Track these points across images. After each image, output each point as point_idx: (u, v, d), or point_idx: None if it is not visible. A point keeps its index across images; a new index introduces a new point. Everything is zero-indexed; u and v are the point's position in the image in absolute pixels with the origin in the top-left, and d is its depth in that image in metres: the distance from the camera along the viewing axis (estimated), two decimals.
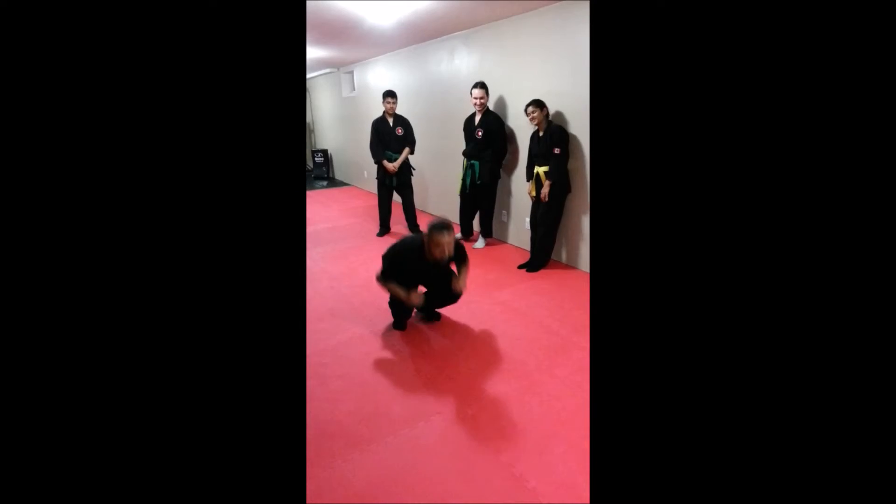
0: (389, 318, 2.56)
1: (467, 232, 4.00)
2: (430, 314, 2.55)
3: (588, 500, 1.10)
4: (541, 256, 3.30)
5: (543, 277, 3.17)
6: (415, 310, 2.53)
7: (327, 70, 6.96)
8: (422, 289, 2.45)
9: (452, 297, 2.44)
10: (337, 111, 7.41)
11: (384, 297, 2.94)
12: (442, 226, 2.18)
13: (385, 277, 2.31)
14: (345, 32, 3.79)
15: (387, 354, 2.23)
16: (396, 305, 2.42)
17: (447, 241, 2.16)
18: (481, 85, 3.48)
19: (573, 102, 3.08)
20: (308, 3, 2.91)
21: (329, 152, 8.08)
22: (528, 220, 3.45)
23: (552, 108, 3.15)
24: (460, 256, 2.41)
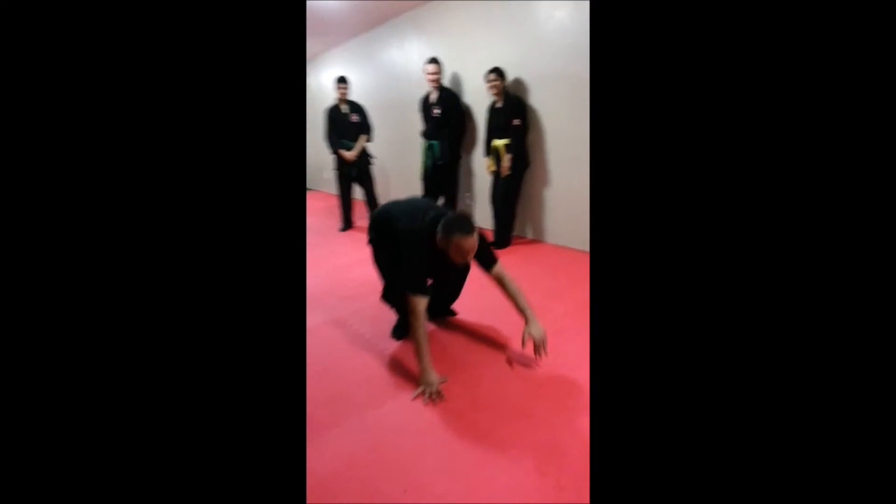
0: (350, 308, 2.37)
1: None
2: (443, 311, 2.13)
3: (588, 500, 0.98)
4: (504, 231, 3.19)
5: (511, 253, 3.05)
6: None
7: None
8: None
9: (458, 290, 2.05)
10: None
11: (344, 287, 2.75)
12: (467, 226, 1.56)
13: (421, 289, 1.59)
14: None
15: (348, 340, 2.04)
16: (395, 303, 1.93)
17: (472, 246, 1.56)
18: (434, 60, 3.36)
19: (529, 71, 3.00)
20: None
21: None
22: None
23: (509, 77, 3.06)
24: (485, 251, 1.75)
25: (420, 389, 1.57)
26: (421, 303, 1.58)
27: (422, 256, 1.63)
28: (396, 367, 1.78)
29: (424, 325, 1.60)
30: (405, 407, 1.52)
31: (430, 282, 1.74)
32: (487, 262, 1.76)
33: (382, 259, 1.90)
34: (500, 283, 1.78)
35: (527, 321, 1.72)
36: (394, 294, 1.95)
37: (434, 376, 1.59)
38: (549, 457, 1.24)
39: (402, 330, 1.99)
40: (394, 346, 1.94)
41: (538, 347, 1.66)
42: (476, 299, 2.31)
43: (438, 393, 1.54)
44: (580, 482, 1.14)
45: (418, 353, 1.60)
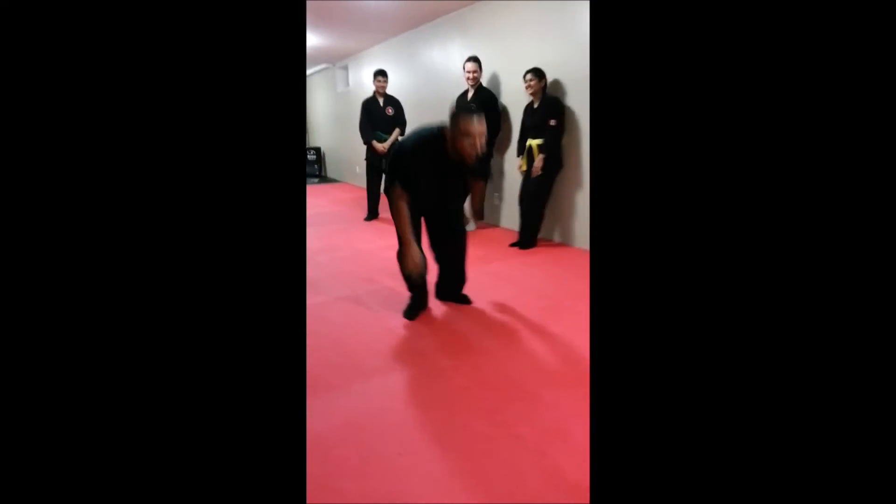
0: (367, 288, 2.38)
1: None
2: (456, 297, 2.14)
3: (588, 501, 0.95)
4: (530, 232, 3.14)
5: (535, 254, 3.00)
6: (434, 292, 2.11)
7: (322, 66, 6.92)
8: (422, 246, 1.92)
9: (459, 233, 1.99)
10: (331, 108, 7.34)
11: (364, 268, 2.77)
12: (470, 109, 1.58)
13: (402, 182, 1.66)
14: (328, 6, 3.71)
15: (361, 314, 2.04)
16: (415, 288, 1.96)
17: (480, 131, 1.58)
18: (474, 59, 3.39)
19: (568, 73, 2.98)
20: None
21: (322, 150, 7.97)
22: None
23: (548, 78, 3.05)
24: (484, 170, 1.81)
25: (405, 256, 1.74)
26: (398, 194, 1.69)
27: (413, 150, 1.70)
28: (405, 342, 1.77)
29: (402, 209, 1.70)
30: (411, 378, 1.50)
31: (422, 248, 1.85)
32: (481, 172, 1.95)
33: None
34: (474, 189, 2.01)
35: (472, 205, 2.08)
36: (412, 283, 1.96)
37: (416, 251, 1.75)
38: (551, 438, 1.19)
39: (413, 311, 1.98)
40: (404, 323, 1.93)
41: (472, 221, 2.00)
42: (494, 292, 2.29)
43: (422, 265, 1.77)
44: (580, 462, 1.09)
45: (402, 231, 1.72)
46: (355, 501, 0.99)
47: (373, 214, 4.12)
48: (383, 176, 4.05)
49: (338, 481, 1.05)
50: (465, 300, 2.15)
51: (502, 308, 2.09)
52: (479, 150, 1.64)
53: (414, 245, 1.74)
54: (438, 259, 2.07)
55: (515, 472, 1.08)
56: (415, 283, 1.92)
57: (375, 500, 1.00)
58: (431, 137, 1.69)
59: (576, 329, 1.84)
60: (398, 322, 1.95)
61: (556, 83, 3.06)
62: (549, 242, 3.26)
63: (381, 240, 3.28)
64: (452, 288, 2.15)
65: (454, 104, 1.64)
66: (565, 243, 3.20)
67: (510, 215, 3.67)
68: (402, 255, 1.77)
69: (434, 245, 2.03)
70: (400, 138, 3.97)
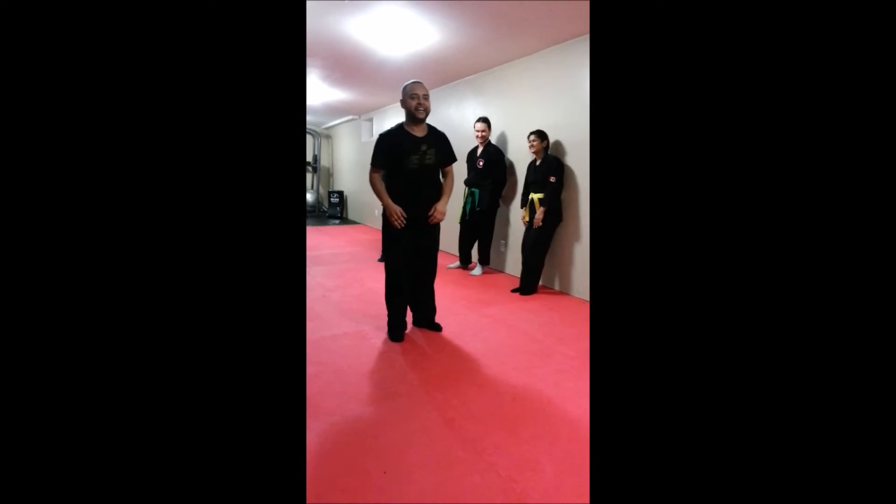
0: (376, 322, 2.56)
1: (466, 260, 4.05)
2: (428, 321, 2.46)
3: (588, 501, 1.06)
4: (530, 278, 3.31)
5: (534, 300, 3.15)
6: (410, 322, 2.44)
7: (349, 118, 7.47)
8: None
9: (431, 252, 2.36)
10: (355, 156, 7.83)
11: (373, 306, 2.96)
12: (410, 81, 2.19)
13: (376, 163, 2.21)
14: (359, 67, 4.14)
15: (365, 349, 2.21)
16: (394, 312, 2.32)
17: (421, 89, 2.16)
18: (483, 119, 3.71)
19: (570, 135, 3.25)
20: (321, 37, 3.24)
21: (345, 194, 8.42)
22: None
23: (551, 139, 3.32)
24: (447, 147, 2.31)
25: (389, 212, 2.16)
26: (374, 173, 2.23)
27: (389, 136, 2.23)
28: (401, 374, 1.92)
29: (379, 182, 2.21)
30: (401, 408, 1.65)
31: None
32: (448, 156, 2.34)
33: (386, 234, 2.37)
34: (445, 175, 2.36)
35: (440, 199, 2.27)
36: (393, 307, 2.35)
37: (397, 207, 2.16)
38: (522, 468, 1.31)
39: (395, 332, 2.33)
40: (403, 357, 2.09)
41: (435, 212, 2.23)
42: (490, 334, 2.43)
43: (401, 216, 2.15)
44: (547, 490, 1.21)
45: (381, 196, 2.19)
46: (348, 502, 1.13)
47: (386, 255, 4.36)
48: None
49: (324, 493, 1.19)
50: (437, 327, 2.45)
51: (496, 349, 2.23)
52: (427, 108, 2.18)
53: (390, 201, 2.18)
54: (413, 283, 2.39)
55: (484, 495, 1.20)
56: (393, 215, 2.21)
57: None
58: (397, 126, 2.24)
59: (561, 372, 1.97)
60: (397, 356, 2.11)
61: (558, 144, 3.34)
62: (549, 290, 3.41)
63: None
64: (427, 320, 2.47)
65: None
66: (564, 292, 3.35)
67: (514, 261, 3.86)
68: (386, 211, 2.22)
69: (409, 261, 2.35)
70: None
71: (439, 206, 2.24)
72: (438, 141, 2.27)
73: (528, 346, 2.28)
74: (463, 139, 4.39)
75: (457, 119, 4.65)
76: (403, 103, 2.21)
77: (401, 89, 2.23)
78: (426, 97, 2.18)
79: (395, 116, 5.93)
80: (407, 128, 2.23)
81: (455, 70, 4.15)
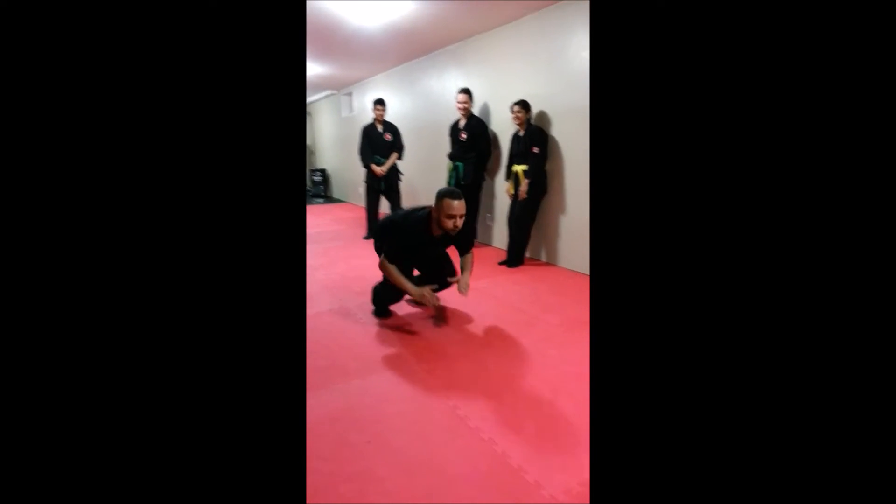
0: (358, 301, 2.55)
1: None
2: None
3: (588, 501, 1.07)
4: (517, 251, 3.32)
5: (522, 272, 3.17)
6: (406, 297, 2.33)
7: (328, 93, 7.27)
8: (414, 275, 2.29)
9: (445, 284, 2.30)
10: (336, 132, 7.66)
11: (358, 282, 2.95)
12: (453, 192, 1.97)
13: (390, 258, 2.07)
14: (332, 38, 4.00)
15: (350, 324, 2.21)
16: (382, 292, 2.26)
17: (460, 209, 1.97)
18: (465, 91, 3.63)
19: (554, 104, 3.20)
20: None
21: (328, 171, 8.28)
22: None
23: (534, 110, 3.27)
24: (466, 240, 2.21)
25: (419, 298, 2.06)
26: (389, 265, 2.10)
27: (403, 231, 2.11)
28: (386, 349, 1.93)
29: (396, 273, 2.10)
30: (386, 380, 1.66)
31: (416, 272, 2.29)
32: (465, 247, 2.26)
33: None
34: (464, 260, 2.28)
35: (461, 273, 2.24)
36: (381, 288, 2.30)
37: (424, 288, 2.07)
38: (503, 430, 1.34)
39: (381, 309, 2.32)
40: (387, 332, 2.09)
41: (462, 285, 2.17)
42: (476, 306, 2.45)
43: (433, 294, 2.08)
44: (525, 450, 1.24)
45: (403, 286, 2.09)
46: (326, 481, 1.15)
47: (371, 233, 4.33)
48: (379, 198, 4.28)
49: (310, 462, 1.20)
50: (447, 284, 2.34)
51: (481, 320, 2.25)
52: (460, 226, 2.03)
53: (414, 287, 2.10)
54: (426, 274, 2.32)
55: (466, 456, 1.23)
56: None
57: (343, 478, 1.15)
58: (415, 219, 2.09)
59: (545, 340, 2.00)
60: (382, 331, 2.11)
61: (542, 114, 3.29)
62: (536, 262, 3.43)
63: (376, 256, 3.46)
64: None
65: (441, 190, 2.06)
66: (550, 263, 3.37)
67: (501, 234, 3.86)
68: (415, 296, 2.12)
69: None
70: (397, 161, 4.22)
71: (465, 279, 2.19)
72: (457, 239, 2.17)
73: (513, 316, 2.30)
74: (446, 112, 4.31)
75: (438, 90, 4.55)
76: (437, 212, 2.02)
77: (435, 195, 2.03)
78: (462, 217, 2.02)
79: (375, 90, 5.79)
80: (425, 229, 2.08)
81: (435, 40, 4.03)
